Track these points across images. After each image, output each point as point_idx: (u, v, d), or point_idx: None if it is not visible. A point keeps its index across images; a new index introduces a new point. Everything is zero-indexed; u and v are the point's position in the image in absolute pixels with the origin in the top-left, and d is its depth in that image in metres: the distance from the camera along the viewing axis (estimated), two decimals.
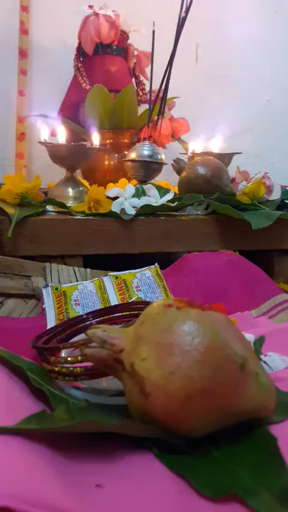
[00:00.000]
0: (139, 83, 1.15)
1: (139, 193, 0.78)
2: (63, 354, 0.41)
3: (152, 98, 0.91)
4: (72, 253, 0.67)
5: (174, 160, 0.93)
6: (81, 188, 0.84)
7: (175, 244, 0.72)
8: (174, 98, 1.11)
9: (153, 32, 0.84)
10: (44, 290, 0.58)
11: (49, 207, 0.75)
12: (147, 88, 1.06)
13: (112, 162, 1.03)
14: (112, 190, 0.75)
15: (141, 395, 0.28)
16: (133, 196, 0.75)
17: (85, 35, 1.08)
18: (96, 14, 1.07)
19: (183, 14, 0.82)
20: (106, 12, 1.07)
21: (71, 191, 0.83)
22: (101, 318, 0.47)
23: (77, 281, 0.62)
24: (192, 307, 0.30)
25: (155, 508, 0.24)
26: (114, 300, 0.57)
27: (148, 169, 0.85)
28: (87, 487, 0.25)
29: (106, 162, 1.03)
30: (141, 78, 1.15)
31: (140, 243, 0.70)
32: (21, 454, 0.26)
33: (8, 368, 0.37)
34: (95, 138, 0.87)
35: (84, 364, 0.34)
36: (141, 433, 0.28)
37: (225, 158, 0.94)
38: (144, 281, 0.60)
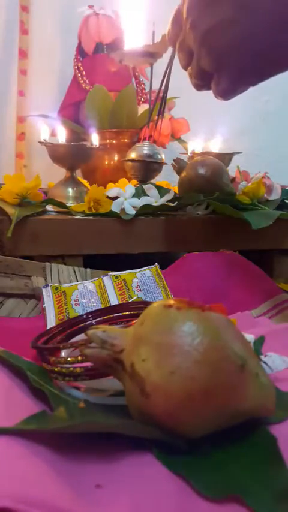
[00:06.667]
0: (139, 83, 1.15)
1: (139, 193, 0.78)
2: (63, 354, 0.41)
3: (152, 98, 0.91)
4: (72, 253, 0.67)
5: (174, 160, 0.92)
6: (81, 188, 0.84)
7: (175, 244, 0.72)
8: (174, 98, 1.11)
9: (153, 32, 0.84)
10: (44, 290, 0.58)
11: (49, 207, 0.75)
12: (147, 88, 1.05)
13: (112, 162, 1.03)
14: (112, 190, 0.75)
15: (141, 396, 0.28)
16: (133, 196, 0.75)
17: (85, 35, 1.08)
18: (96, 14, 1.07)
19: None
20: (106, 12, 1.07)
21: (71, 191, 0.83)
22: (101, 318, 0.47)
23: (77, 281, 0.62)
24: (192, 307, 0.30)
25: (155, 508, 0.24)
26: (114, 300, 0.57)
27: (148, 169, 0.85)
28: (87, 487, 0.25)
29: (106, 162, 1.03)
30: (141, 78, 1.15)
31: (140, 243, 0.70)
32: (21, 454, 0.26)
33: (8, 368, 0.37)
34: (95, 138, 0.87)
35: (84, 364, 0.34)
36: (141, 433, 0.28)
37: (225, 158, 0.94)
38: (144, 281, 0.60)
